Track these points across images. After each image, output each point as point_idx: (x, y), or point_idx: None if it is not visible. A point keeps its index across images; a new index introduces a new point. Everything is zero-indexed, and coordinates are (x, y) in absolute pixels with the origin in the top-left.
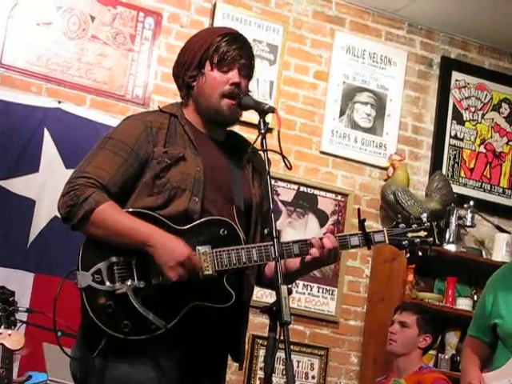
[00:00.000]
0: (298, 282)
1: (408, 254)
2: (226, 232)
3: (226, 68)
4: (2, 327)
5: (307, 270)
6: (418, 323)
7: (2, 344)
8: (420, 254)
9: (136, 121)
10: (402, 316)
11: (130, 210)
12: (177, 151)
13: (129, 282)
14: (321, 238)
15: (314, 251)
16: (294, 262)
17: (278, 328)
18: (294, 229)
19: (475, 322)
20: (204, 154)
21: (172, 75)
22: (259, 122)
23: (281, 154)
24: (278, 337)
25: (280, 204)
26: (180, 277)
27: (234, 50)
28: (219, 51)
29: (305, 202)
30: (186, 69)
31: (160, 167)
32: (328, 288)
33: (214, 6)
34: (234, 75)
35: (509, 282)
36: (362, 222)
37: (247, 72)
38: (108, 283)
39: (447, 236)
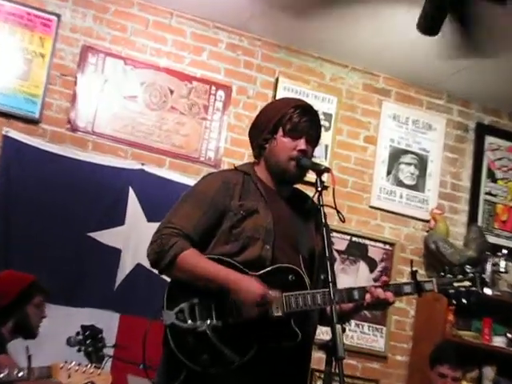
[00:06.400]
0: (350, 321)
1: (454, 302)
2: (293, 278)
3: (295, 136)
4: (93, 366)
5: (360, 312)
6: (463, 374)
7: (93, 382)
8: (464, 301)
9: (215, 178)
10: (456, 372)
11: (209, 256)
12: (250, 204)
13: (208, 321)
14: (376, 287)
15: (368, 298)
16: (349, 305)
17: (334, 362)
18: (347, 274)
19: None
20: (273, 207)
21: (248, 136)
22: (316, 181)
23: (335, 208)
24: (333, 370)
25: (335, 253)
26: (256, 313)
27: (305, 122)
28: (292, 121)
29: (356, 251)
30: (261, 132)
31: (236, 218)
32: (377, 327)
33: (277, 80)
34: (301, 143)
35: None
36: (414, 273)
37: (313, 141)
38: (190, 321)
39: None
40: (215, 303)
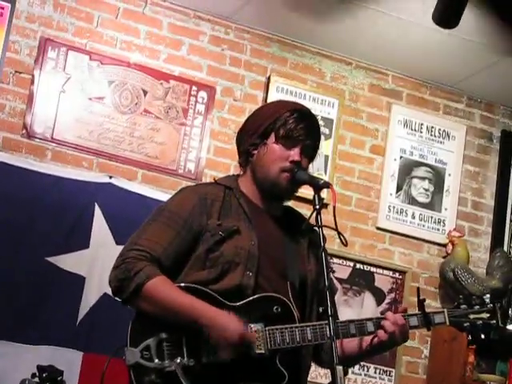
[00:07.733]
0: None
1: (469, 337)
2: (279, 309)
3: (289, 144)
4: None
5: (365, 356)
6: None
7: None
8: (482, 336)
9: (191, 192)
10: None
11: (182, 284)
12: (231, 224)
13: (178, 360)
14: (383, 318)
15: (381, 333)
16: (352, 345)
17: None
18: (350, 307)
19: None
20: (258, 227)
21: (235, 141)
22: (314, 198)
23: (336, 230)
24: None
25: (335, 281)
26: (233, 355)
27: (301, 129)
28: (286, 127)
29: (361, 280)
30: (250, 135)
31: (214, 240)
32: (385, 369)
33: (268, 79)
34: (295, 153)
35: None
36: (421, 302)
37: (310, 152)
38: (157, 360)
39: (510, 315)
40: (186, 339)
